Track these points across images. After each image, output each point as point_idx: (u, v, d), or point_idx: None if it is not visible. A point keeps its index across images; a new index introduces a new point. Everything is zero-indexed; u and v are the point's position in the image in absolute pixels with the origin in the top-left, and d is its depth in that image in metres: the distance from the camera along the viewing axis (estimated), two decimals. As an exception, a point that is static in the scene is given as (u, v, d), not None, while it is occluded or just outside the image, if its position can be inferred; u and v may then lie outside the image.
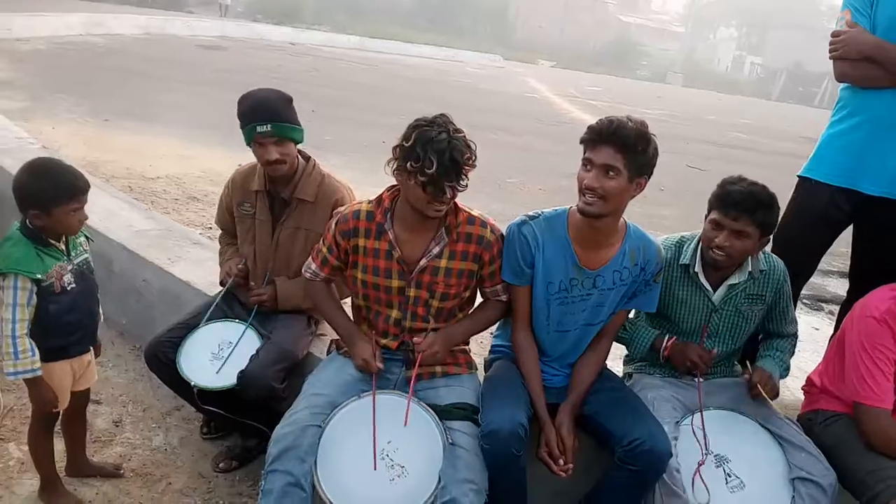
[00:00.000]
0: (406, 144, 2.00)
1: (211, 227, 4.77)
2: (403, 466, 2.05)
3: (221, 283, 2.74)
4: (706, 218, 2.33)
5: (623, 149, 2.03)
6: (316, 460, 2.04)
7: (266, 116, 2.45)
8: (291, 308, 2.64)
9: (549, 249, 2.24)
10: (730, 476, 2.23)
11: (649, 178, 2.12)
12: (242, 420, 2.57)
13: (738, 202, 2.21)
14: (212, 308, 2.62)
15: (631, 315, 2.52)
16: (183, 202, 5.46)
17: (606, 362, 2.45)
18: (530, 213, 2.29)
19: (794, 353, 2.52)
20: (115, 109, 8.94)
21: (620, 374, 2.63)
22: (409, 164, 1.99)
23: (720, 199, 2.27)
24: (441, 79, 21.39)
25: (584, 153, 2.10)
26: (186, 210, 5.27)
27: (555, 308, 2.29)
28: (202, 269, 3.25)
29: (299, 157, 2.61)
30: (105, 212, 3.80)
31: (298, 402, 2.16)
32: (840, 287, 5.47)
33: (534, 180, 8.54)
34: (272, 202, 2.62)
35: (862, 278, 2.65)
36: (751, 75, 56.47)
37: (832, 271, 5.70)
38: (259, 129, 2.44)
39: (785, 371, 2.48)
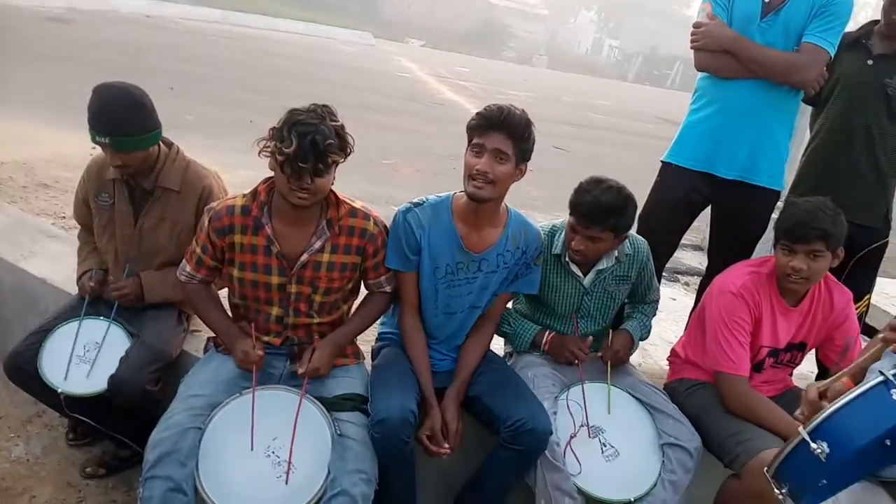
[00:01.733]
0: (276, 126, 1.97)
1: (65, 217, 4.40)
2: (290, 462, 2.00)
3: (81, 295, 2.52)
4: (567, 222, 2.43)
5: (512, 135, 2.09)
6: (197, 463, 1.95)
7: (105, 128, 2.23)
8: (160, 301, 2.48)
9: (435, 235, 2.26)
10: (605, 445, 2.36)
11: (527, 163, 2.19)
12: (113, 434, 2.42)
13: (587, 214, 2.29)
14: (72, 307, 2.43)
15: (510, 306, 2.60)
16: (32, 190, 4.99)
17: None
18: (415, 201, 2.30)
19: (655, 314, 2.72)
20: (-56, 86, 8.03)
21: (502, 354, 2.71)
22: (273, 145, 1.95)
23: (573, 208, 2.35)
24: (310, 55, 20.83)
25: (473, 139, 2.13)
26: (36, 199, 4.82)
27: (442, 292, 2.32)
28: (60, 265, 2.98)
29: (161, 144, 2.45)
30: (-61, 204, 3.41)
31: (175, 405, 2.05)
32: (694, 260, 5.92)
33: (409, 161, 8.54)
34: (132, 192, 2.45)
35: (719, 256, 2.88)
36: (609, 58, 59.30)
37: (687, 245, 6.13)
38: (97, 138, 2.25)
39: (646, 333, 2.66)
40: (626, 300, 2.70)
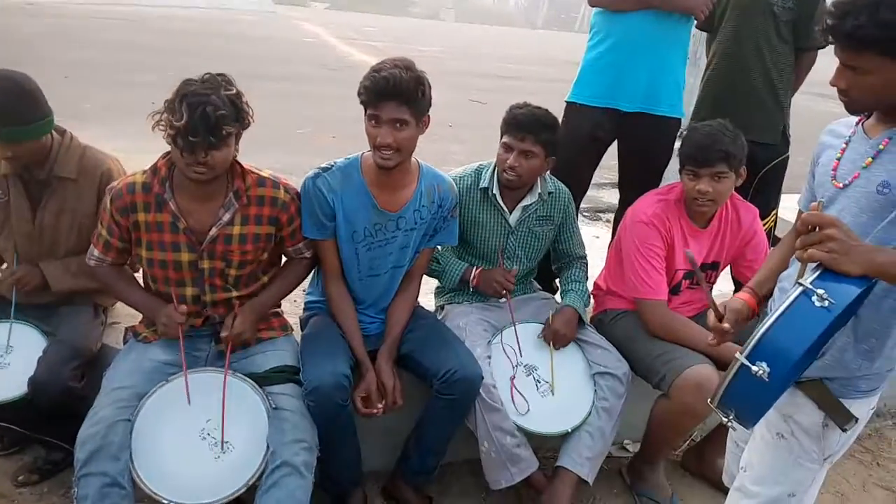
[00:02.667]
0: (169, 98, 1.88)
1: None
2: (228, 441, 1.98)
3: None
4: (500, 142, 2.46)
5: (406, 100, 2.05)
6: (131, 455, 1.91)
7: None
8: (67, 289, 2.37)
9: (348, 198, 2.23)
10: (539, 382, 2.43)
11: (428, 115, 2.17)
12: (39, 437, 2.34)
13: (524, 124, 2.37)
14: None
15: (439, 248, 2.61)
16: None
17: (418, 299, 2.52)
18: (323, 166, 2.25)
19: (587, 277, 2.75)
20: None
21: (433, 309, 2.74)
22: (165, 117, 1.87)
23: (508, 123, 2.42)
24: (208, 29, 19.95)
25: (367, 110, 2.08)
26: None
27: (363, 255, 2.30)
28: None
29: (54, 132, 2.32)
30: None
31: (100, 399, 1.99)
32: (614, 197, 5.98)
33: (325, 129, 8.35)
34: (27, 185, 2.32)
35: (629, 188, 2.96)
36: (517, 6, 59.17)
37: (605, 183, 6.25)
38: None
39: (587, 300, 2.67)
40: (552, 252, 2.74)
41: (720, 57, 3.00)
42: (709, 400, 1.44)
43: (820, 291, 1.28)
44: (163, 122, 1.89)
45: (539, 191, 2.54)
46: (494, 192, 2.52)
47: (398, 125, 2.07)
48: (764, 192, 3.01)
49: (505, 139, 2.43)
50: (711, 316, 1.64)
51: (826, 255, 1.31)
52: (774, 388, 1.32)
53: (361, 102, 2.10)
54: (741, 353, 1.33)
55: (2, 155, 2.20)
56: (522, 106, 2.44)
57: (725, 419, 1.42)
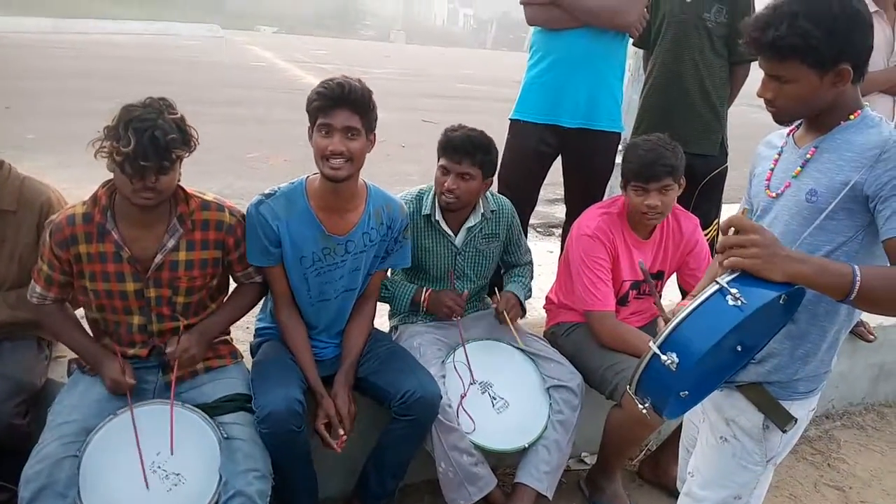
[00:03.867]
0: (111, 124, 1.85)
1: None
2: (179, 474, 1.93)
3: None
4: (437, 166, 2.48)
5: (358, 109, 2.07)
6: (79, 492, 1.85)
7: None
8: (4, 322, 2.28)
9: (294, 224, 2.20)
10: (495, 399, 2.44)
11: (374, 132, 2.19)
12: None
13: (459, 147, 2.41)
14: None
15: (388, 273, 2.61)
16: None
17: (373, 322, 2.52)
18: (266, 192, 2.23)
19: (533, 276, 2.81)
20: None
21: (387, 329, 2.73)
22: (109, 144, 1.84)
23: (444, 147, 2.45)
24: (154, 55, 19.70)
25: (318, 119, 2.09)
26: None
27: (313, 280, 2.28)
28: None
29: None
30: None
31: (45, 435, 1.92)
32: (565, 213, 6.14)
33: (277, 152, 8.30)
34: None
35: (574, 202, 3.02)
36: (465, 27, 59.93)
37: (557, 199, 6.33)
38: None
39: (528, 292, 2.76)
40: (501, 264, 2.78)
41: (658, 72, 3.09)
42: (627, 386, 1.47)
43: (734, 291, 1.32)
44: (105, 150, 1.86)
45: (482, 210, 2.57)
46: (437, 217, 2.54)
47: (350, 134, 2.08)
48: (704, 203, 3.10)
49: (442, 162, 2.46)
50: (662, 323, 1.67)
51: (748, 262, 1.35)
52: (682, 379, 1.35)
53: (312, 113, 2.10)
54: (653, 342, 1.36)
55: None
56: (458, 128, 2.47)
57: (641, 406, 1.45)
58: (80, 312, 2.29)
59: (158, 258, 2.04)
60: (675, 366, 1.32)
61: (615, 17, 2.75)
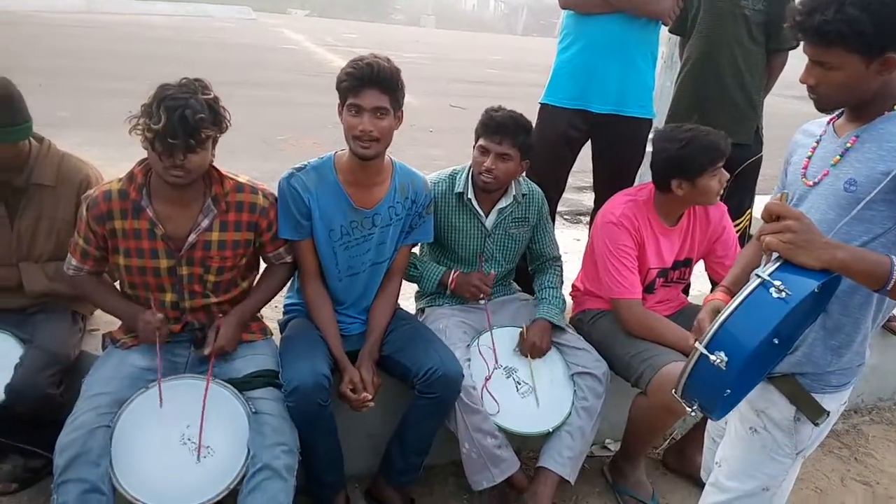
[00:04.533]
0: (146, 102, 1.89)
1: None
2: (208, 447, 1.98)
3: None
4: (474, 146, 2.48)
5: (387, 88, 2.09)
6: (111, 461, 1.90)
7: None
8: (42, 292, 2.35)
9: (323, 197, 2.25)
10: (519, 383, 2.45)
11: (402, 110, 2.21)
12: (18, 445, 2.31)
13: (500, 126, 2.40)
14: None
15: (416, 251, 2.63)
16: None
17: (399, 302, 2.54)
18: (297, 166, 2.28)
19: (563, 281, 2.76)
20: None
21: (413, 311, 2.75)
22: (142, 122, 1.87)
23: (485, 126, 2.44)
24: (186, 37, 19.85)
25: (348, 99, 2.11)
26: None
27: (341, 254, 2.32)
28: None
29: (31, 140, 2.31)
30: None
31: (79, 406, 1.98)
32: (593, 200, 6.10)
33: (306, 135, 8.35)
34: (4, 192, 2.30)
35: (602, 189, 3.00)
36: (496, 12, 59.46)
37: (586, 187, 6.29)
38: None
39: (563, 304, 2.67)
40: (527, 252, 2.76)
41: (693, 59, 3.05)
42: (673, 390, 1.46)
43: (777, 283, 1.30)
44: (140, 127, 1.89)
45: (514, 193, 2.56)
46: (469, 196, 2.54)
47: (379, 114, 2.10)
48: (737, 193, 3.06)
49: (481, 142, 2.45)
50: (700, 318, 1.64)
51: (783, 245, 1.34)
52: (732, 378, 1.33)
53: (341, 92, 2.12)
54: (700, 343, 1.35)
55: None
56: (498, 109, 2.46)
57: (690, 409, 1.44)
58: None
59: (192, 237, 2.08)
60: (724, 364, 1.30)
61: (649, 3, 2.72)
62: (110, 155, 5.24)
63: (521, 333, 2.54)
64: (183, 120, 1.85)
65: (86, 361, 2.34)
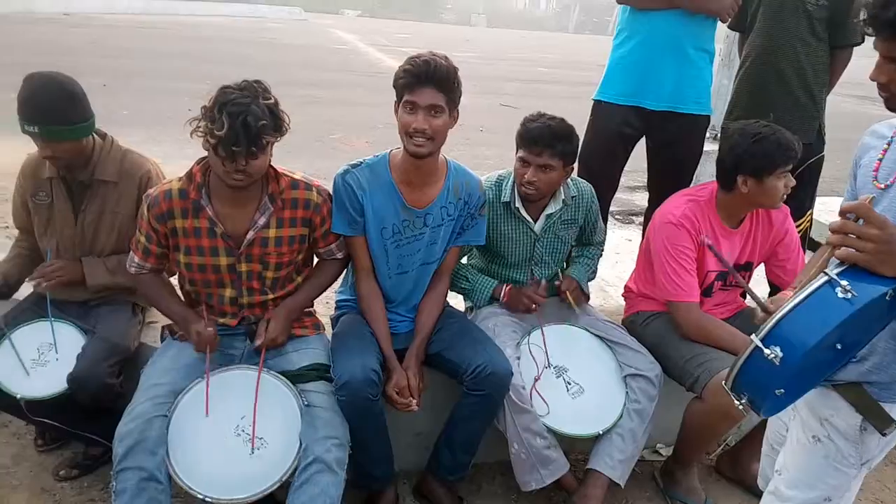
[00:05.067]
0: (207, 105, 1.91)
1: (7, 226, 4.27)
2: (261, 438, 2.01)
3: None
4: (516, 155, 2.45)
5: (443, 87, 2.08)
6: (168, 450, 1.95)
7: (34, 117, 2.15)
8: (102, 285, 2.42)
9: (377, 195, 2.26)
10: (570, 384, 2.42)
11: (458, 109, 2.19)
12: (79, 433, 2.39)
13: (539, 138, 2.35)
14: (18, 312, 2.38)
15: (465, 261, 2.63)
16: (-31, 204, 4.82)
17: (448, 300, 2.54)
18: (352, 162, 2.29)
19: (601, 256, 2.77)
20: None
21: (462, 309, 2.75)
22: (204, 126, 1.90)
23: (523, 138, 2.40)
24: (240, 37, 20.31)
25: (404, 96, 2.11)
26: (-27, 212, 4.66)
27: (392, 252, 2.33)
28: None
29: (95, 136, 2.39)
30: None
31: (138, 395, 2.04)
32: (646, 200, 6.00)
33: (358, 134, 8.45)
34: (69, 187, 2.39)
35: (658, 188, 2.94)
36: (547, 10, 59.06)
37: (638, 186, 6.21)
38: (26, 128, 2.17)
39: (592, 274, 2.72)
40: (573, 243, 2.74)
41: (753, 56, 2.97)
42: (722, 382, 1.42)
43: (844, 283, 1.24)
44: (201, 130, 1.92)
45: (563, 197, 2.53)
46: (517, 205, 2.51)
47: (433, 112, 2.09)
48: (799, 193, 2.95)
49: (521, 154, 2.41)
50: (758, 311, 1.60)
51: (863, 257, 1.26)
52: (785, 375, 1.28)
53: (398, 89, 2.12)
54: (756, 335, 1.31)
55: (42, 154, 2.26)
56: (536, 118, 2.41)
57: (738, 402, 1.40)
58: (174, 281, 2.40)
59: (250, 234, 2.11)
60: (778, 360, 1.26)
61: (708, 1, 2.66)
62: (167, 152, 5.39)
63: (558, 285, 2.59)
64: (245, 126, 1.87)
65: (145, 353, 2.41)
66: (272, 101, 1.96)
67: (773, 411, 1.48)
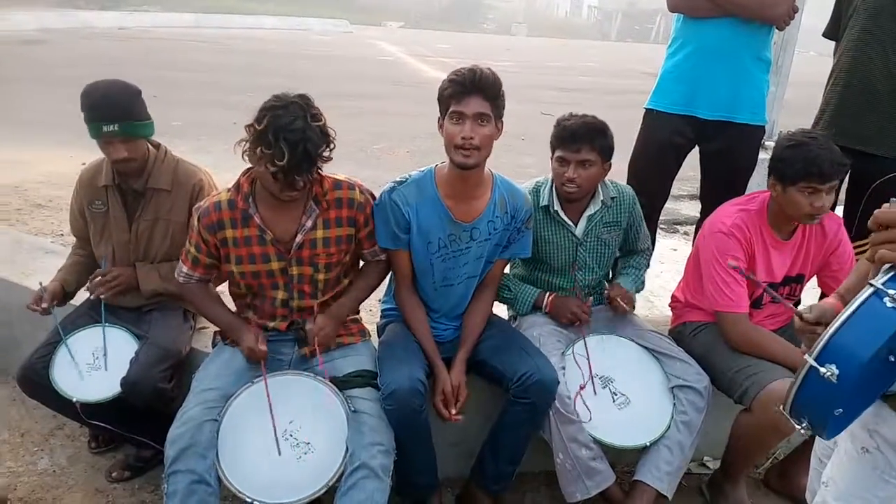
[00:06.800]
0: (258, 127, 1.92)
1: (63, 234, 4.43)
2: (309, 443, 2.04)
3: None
4: (552, 158, 2.45)
5: (489, 96, 2.09)
6: (217, 454, 1.99)
7: (112, 115, 2.25)
8: (154, 291, 2.49)
9: (423, 210, 2.26)
10: (616, 394, 2.39)
11: (503, 119, 2.20)
12: (131, 436, 2.47)
13: (577, 135, 2.36)
14: (75, 317, 2.47)
15: (507, 270, 2.62)
16: (27, 211, 5.02)
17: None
18: (398, 179, 2.29)
19: (648, 266, 2.73)
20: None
21: (506, 318, 2.74)
22: (259, 150, 1.93)
23: (559, 137, 2.41)
24: (287, 50, 20.69)
25: (451, 107, 2.11)
26: (32, 219, 4.85)
27: (438, 265, 2.33)
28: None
29: (149, 146, 2.47)
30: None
31: (189, 400, 2.08)
32: (691, 209, 5.92)
33: (400, 144, 8.53)
34: (124, 196, 2.47)
35: (710, 198, 2.88)
36: (589, 18, 58.73)
37: (683, 195, 6.13)
38: (105, 128, 2.25)
39: (641, 285, 2.68)
40: (618, 252, 2.71)
41: (843, 64, 2.81)
42: (780, 406, 1.39)
43: (891, 292, 1.21)
44: (255, 156, 1.95)
45: (602, 198, 2.51)
46: (556, 208, 2.50)
47: (480, 121, 2.09)
48: (874, 209, 2.81)
49: (559, 153, 2.41)
50: (798, 321, 1.57)
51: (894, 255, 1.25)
52: (844, 392, 1.25)
53: (444, 101, 2.13)
54: (810, 355, 1.28)
55: (116, 156, 2.32)
56: (570, 117, 2.42)
57: (799, 426, 1.36)
58: (222, 287, 2.46)
59: (299, 238, 2.15)
60: (835, 377, 1.23)
61: (764, 8, 2.61)
62: (217, 161, 5.51)
63: (606, 294, 2.57)
64: (306, 155, 1.92)
65: (196, 358, 2.47)
66: (321, 121, 1.99)
67: (835, 432, 1.45)
